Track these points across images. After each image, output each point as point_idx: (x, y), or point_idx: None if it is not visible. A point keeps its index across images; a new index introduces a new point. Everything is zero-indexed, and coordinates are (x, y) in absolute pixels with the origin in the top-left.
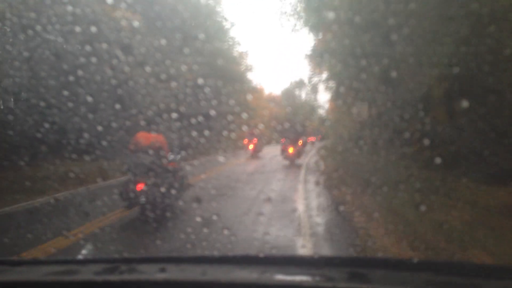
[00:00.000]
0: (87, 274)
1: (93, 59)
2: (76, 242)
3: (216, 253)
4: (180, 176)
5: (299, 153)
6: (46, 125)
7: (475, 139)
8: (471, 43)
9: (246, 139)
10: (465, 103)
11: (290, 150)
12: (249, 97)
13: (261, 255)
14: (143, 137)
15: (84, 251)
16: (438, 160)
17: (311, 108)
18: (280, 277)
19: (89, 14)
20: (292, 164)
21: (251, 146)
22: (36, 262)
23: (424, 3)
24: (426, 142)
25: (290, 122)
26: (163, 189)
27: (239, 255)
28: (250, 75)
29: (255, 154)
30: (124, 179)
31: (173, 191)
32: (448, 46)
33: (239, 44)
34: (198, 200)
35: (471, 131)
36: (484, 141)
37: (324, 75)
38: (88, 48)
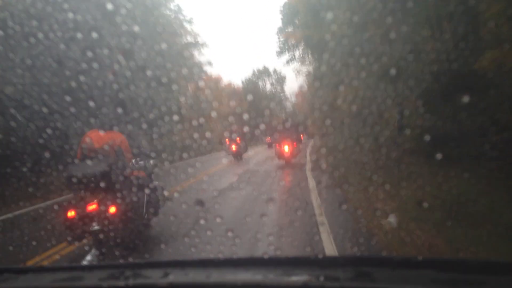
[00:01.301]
0: (92, 280)
1: None
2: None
3: (220, 256)
4: (152, 188)
5: (295, 153)
6: (49, 131)
7: (476, 134)
8: (469, 39)
9: (227, 139)
10: (465, 98)
11: (286, 149)
12: (200, 84)
13: (266, 256)
14: (95, 138)
15: (88, 257)
16: (439, 156)
17: (278, 100)
18: (285, 278)
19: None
20: (289, 165)
21: (233, 147)
22: (41, 270)
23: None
24: (427, 138)
25: (281, 118)
26: (125, 209)
27: (244, 258)
28: (203, 59)
29: (238, 156)
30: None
31: (141, 211)
32: (447, 42)
33: (190, 22)
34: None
35: (471, 125)
36: (484, 135)
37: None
38: None
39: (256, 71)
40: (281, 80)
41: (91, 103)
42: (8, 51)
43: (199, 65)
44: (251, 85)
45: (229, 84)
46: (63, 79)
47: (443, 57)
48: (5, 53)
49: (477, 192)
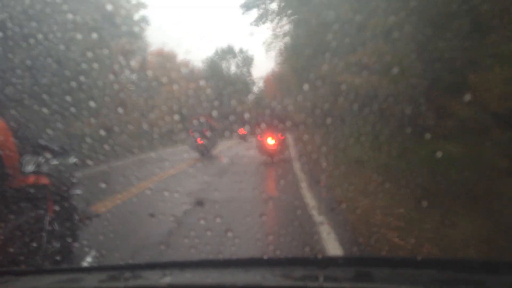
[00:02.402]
0: (91, 282)
1: None
2: None
3: (220, 256)
4: (62, 203)
5: (281, 147)
6: (49, 132)
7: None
8: (473, 38)
9: (191, 130)
10: (467, 97)
11: (270, 141)
12: (139, 56)
13: (265, 257)
14: None
15: (88, 259)
16: (439, 154)
17: (244, 84)
18: (284, 279)
19: None
20: (276, 165)
21: (199, 141)
22: (40, 271)
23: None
24: (428, 136)
25: (264, 105)
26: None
27: (243, 258)
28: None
29: (206, 152)
30: None
31: (38, 241)
32: (451, 41)
33: None
34: None
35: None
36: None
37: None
38: None
39: (219, 50)
40: (248, 61)
41: None
42: (8, 52)
43: (139, 35)
44: (213, 66)
45: (186, 63)
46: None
47: (447, 55)
48: (5, 54)
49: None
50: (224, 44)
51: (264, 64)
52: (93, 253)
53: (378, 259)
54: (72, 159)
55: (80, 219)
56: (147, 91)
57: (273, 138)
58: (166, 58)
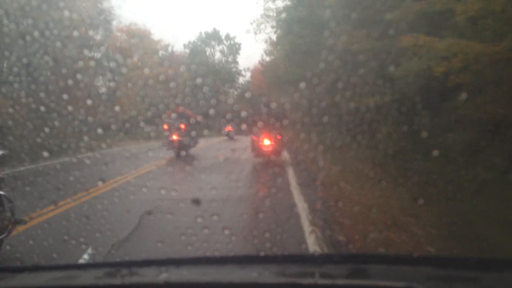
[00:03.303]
0: (88, 278)
1: None
2: None
3: (216, 253)
4: None
5: (278, 148)
6: (46, 130)
7: (472, 131)
8: (468, 36)
9: (166, 125)
10: (463, 96)
11: (266, 141)
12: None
13: (261, 254)
14: None
15: (84, 256)
16: (435, 153)
17: (229, 73)
18: (280, 276)
19: None
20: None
21: (175, 137)
22: (37, 268)
23: None
24: (424, 134)
25: (254, 99)
26: None
27: (239, 255)
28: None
29: (182, 151)
30: None
31: None
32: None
33: None
34: None
35: (469, 122)
36: (481, 132)
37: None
38: None
39: (203, 34)
40: (235, 49)
41: None
42: (5, 49)
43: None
44: (196, 51)
45: (162, 44)
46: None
47: (442, 54)
48: (2, 51)
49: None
50: (209, 28)
51: (251, 55)
52: (90, 250)
53: (373, 256)
54: None
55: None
56: (111, 73)
57: (269, 138)
58: (137, 36)
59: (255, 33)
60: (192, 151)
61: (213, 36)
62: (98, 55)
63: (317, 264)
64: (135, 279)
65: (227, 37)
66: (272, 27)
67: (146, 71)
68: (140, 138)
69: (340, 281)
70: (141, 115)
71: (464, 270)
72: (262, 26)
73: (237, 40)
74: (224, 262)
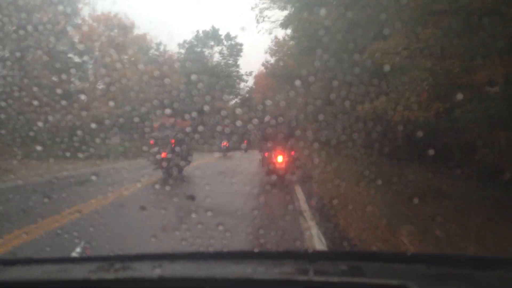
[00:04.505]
0: (81, 272)
1: None
2: None
3: (210, 249)
4: None
5: (292, 166)
6: (40, 124)
7: (468, 131)
8: (463, 37)
9: (152, 140)
10: (459, 96)
11: (279, 159)
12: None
13: (256, 250)
14: None
15: (77, 249)
16: (431, 152)
17: (229, 77)
18: (275, 271)
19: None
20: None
21: (163, 155)
22: (30, 261)
23: None
24: (419, 134)
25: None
26: None
27: (234, 251)
28: None
29: (172, 171)
30: None
31: None
32: (441, 39)
33: None
34: None
35: (465, 122)
36: (477, 133)
37: None
38: None
39: (201, 32)
40: (236, 49)
41: None
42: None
43: None
44: (192, 52)
45: (147, 38)
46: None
47: (437, 52)
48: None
49: None
50: (208, 26)
51: (254, 59)
52: (83, 243)
53: (368, 254)
54: None
55: None
56: (76, 70)
57: (283, 155)
58: (118, 28)
59: (258, 22)
60: (184, 169)
61: (212, 35)
62: (62, 47)
63: (312, 261)
64: (128, 274)
65: (227, 36)
66: (280, 8)
67: (127, 71)
68: (106, 156)
69: (334, 279)
70: (115, 125)
71: (458, 268)
72: (267, 13)
73: (238, 40)
74: (219, 258)
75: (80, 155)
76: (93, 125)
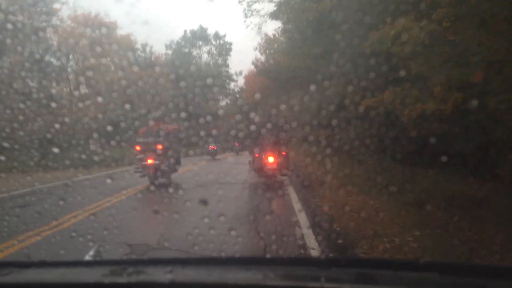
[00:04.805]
0: (94, 276)
1: None
2: None
3: (222, 254)
4: None
5: (283, 166)
6: (56, 126)
7: (482, 138)
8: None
9: (138, 146)
10: (474, 102)
11: (270, 159)
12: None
13: (268, 256)
14: None
15: (91, 253)
16: (444, 159)
17: (218, 78)
18: (286, 278)
19: None
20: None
21: (150, 161)
22: (44, 264)
23: None
24: (433, 140)
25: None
26: None
27: (245, 257)
28: None
29: (159, 177)
30: None
31: None
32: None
33: None
34: None
35: (477, 129)
36: (490, 139)
37: None
38: None
39: (188, 32)
40: (225, 49)
41: None
42: (17, 45)
43: None
44: (180, 52)
45: (130, 39)
46: None
47: (454, 59)
48: (15, 48)
49: None
50: (195, 25)
51: (244, 59)
52: (96, 247)
53: (380, 262)
54: None
55: None
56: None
57: (274, 155)
58: (98, 28)
59: (246, 16)
60: (171, 176)
61: (200, 35)
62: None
63: (323, 268)
64: (140, 278)
65: (216, 35)
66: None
67: (111, 73)
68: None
69: (346, 286)
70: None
71: (471, 277)
72: (255, 6)
73: (227, 39)
74: (230, 263)
75: (52, 165)
76: (71, 132)
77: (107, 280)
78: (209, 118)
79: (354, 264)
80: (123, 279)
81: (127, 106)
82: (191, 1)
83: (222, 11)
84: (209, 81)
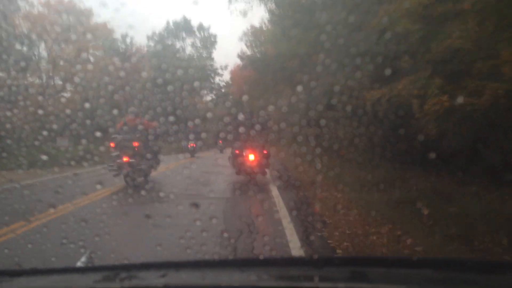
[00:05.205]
0: (87, 282)
1: None
2: None
3: (215, 257)
4: None
5: (264, 164)
6: (44, 133)
7: (470, 133)
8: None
9: (113, 143)
10: (459, 99)
11: (250, 157)
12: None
13: (261, 257)
14: None
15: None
16: (432, 156)
17: (203, 71)
18: (280, 279)
19: None
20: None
21: (125, 159)
22: (35, 272)
23: None
24: (421, 137)
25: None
26: None
27: (239, 258)
28: None
29: (136, 179)
30: None
31: None
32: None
33: None
34: None
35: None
36: (479, 136)
37: None
38: None
39: (171, 23)
40: (209, 41)
41: None
42: (1, 53)
43: None
44: (162, 44)
45: (107, 28)
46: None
47: (438, 57)
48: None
49: None
50: (179, 16)
51: (230, 53)
52: (88, 253)
53: (373, 259)
54: None
55: None
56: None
57: (254, 153)
58: (72, 14)
59: (230, 2)
60: (149, 174)
61: (183, 27)
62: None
63: (317, 267)
64: (134, 283)
65: (200, 27)
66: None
67: (89, 66)
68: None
69: (340, 285)
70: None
71: (463, 272)
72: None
73: (212, 31)
74: (224, 266)
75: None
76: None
77: (100, 286)
78: (190, 114)
79: (347, 263)
80: (116, 285)
81: (102, 100)
82: None
83: (206, 4)
84: (191, 71)
